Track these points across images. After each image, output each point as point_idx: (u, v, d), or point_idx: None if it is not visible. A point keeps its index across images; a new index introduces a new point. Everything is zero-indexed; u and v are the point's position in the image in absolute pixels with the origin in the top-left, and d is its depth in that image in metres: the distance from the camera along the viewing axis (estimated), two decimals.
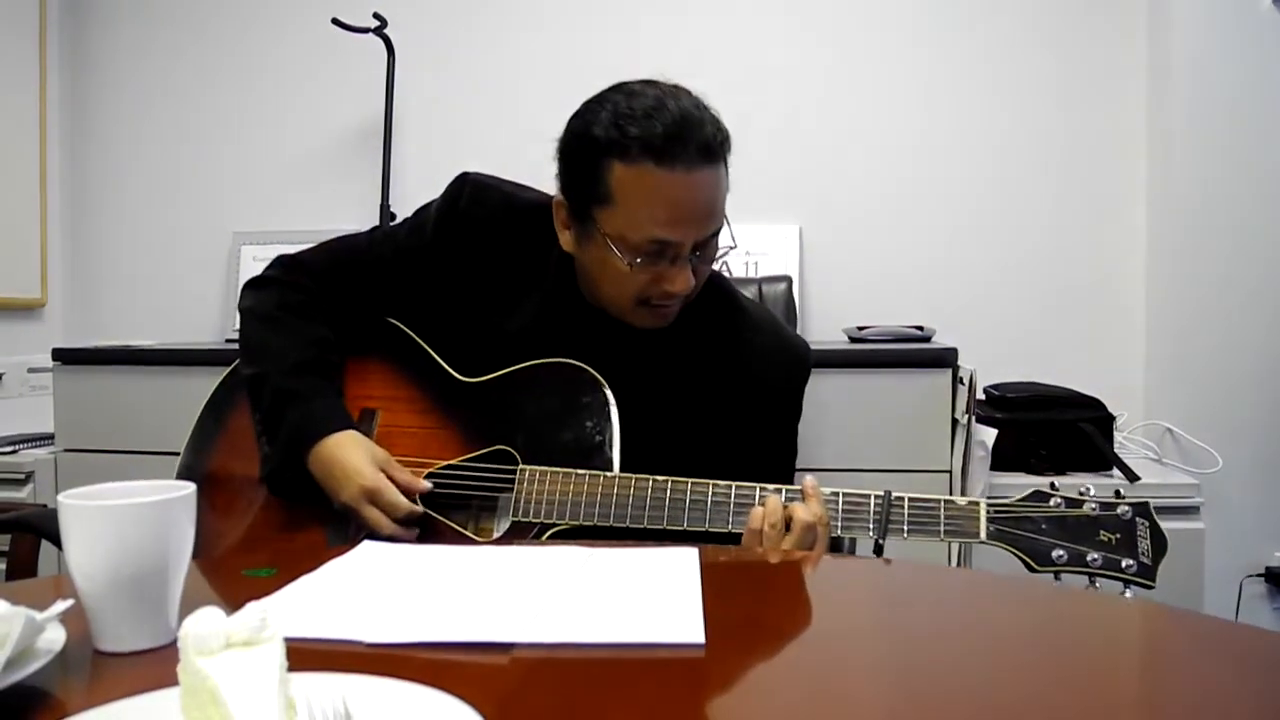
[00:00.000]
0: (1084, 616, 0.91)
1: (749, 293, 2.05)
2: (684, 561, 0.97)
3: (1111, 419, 2.19)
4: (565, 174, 1.24)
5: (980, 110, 2.59)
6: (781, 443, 1.33)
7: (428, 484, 1.21)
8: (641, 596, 0.88)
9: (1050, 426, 2.15)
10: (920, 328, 2.33)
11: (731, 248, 1.24)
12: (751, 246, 2.57)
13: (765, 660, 0.79)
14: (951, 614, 0.94)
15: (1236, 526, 2.26)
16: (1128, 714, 0.70)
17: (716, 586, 0.92)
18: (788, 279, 2.34)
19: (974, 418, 2.04)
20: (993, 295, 2.57)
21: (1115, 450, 2.18)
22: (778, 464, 1.29)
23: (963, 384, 2.03)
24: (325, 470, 1.20)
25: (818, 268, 2.61)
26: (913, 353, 2.15)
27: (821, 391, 2.01)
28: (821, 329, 2.60)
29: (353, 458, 1.19)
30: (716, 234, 1.21)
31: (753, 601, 0.96)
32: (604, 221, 1.18)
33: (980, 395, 2.22)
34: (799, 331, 2.35)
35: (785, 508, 1.11)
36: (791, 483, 1.25)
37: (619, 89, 1.20)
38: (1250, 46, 2.29)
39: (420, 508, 1.20)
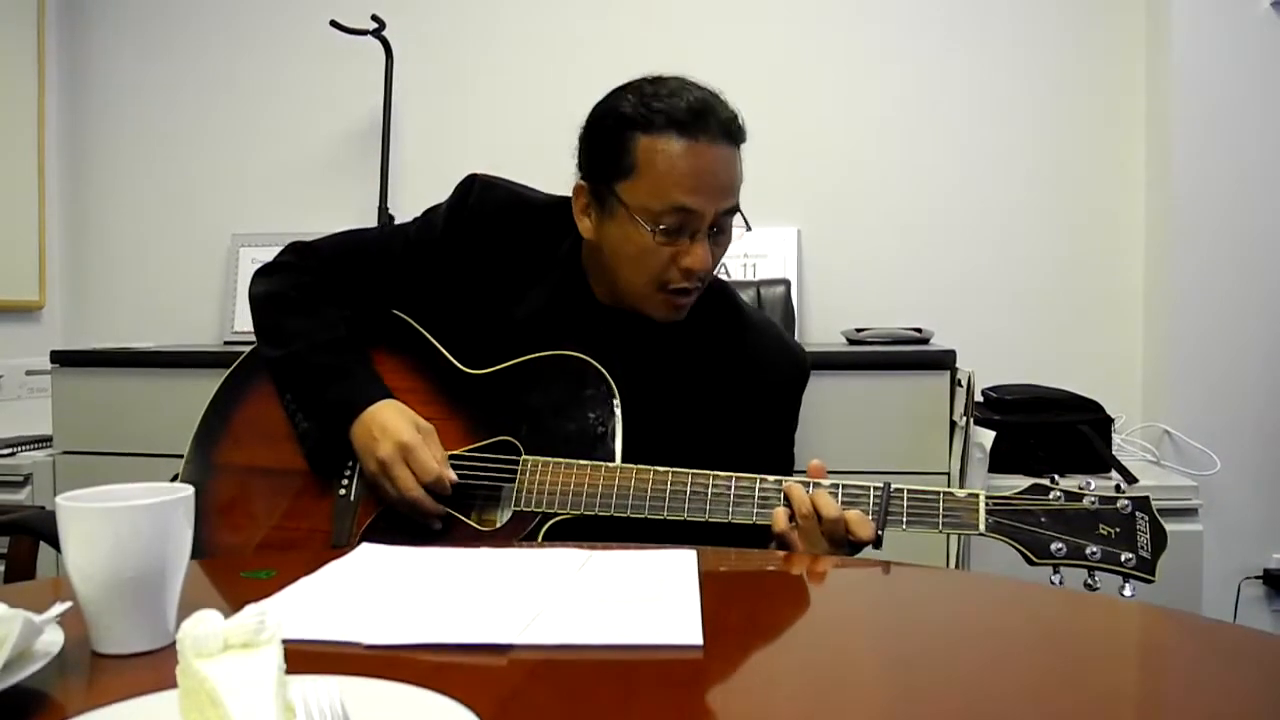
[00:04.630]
0: (1083, 619, 0.91)
1: (747, 295, 2.06)
2: (682, 563, 0.97)
3: (1110, 421, 2.19)
4: (588, 154, 1.26)
5: (979, 113, 2.59)
6: (778, 445, 1.35)
7: (454, 475, 1.22)
8: (640, 598, 0.88)
9: (1048, 429, 2.16)
10: (918, 330, 2.33)
11: (747, 229, 1.26)
12: (750, 249, 2.57)
13: (763, 662, 0.79)
14: (949, 616, 0.94)
15: (1235, 529, 2.26)
16: (1126, 716, 0.70)
17: (715, 588, 0.92)
18: (786, 281, 2.34)
19: (972, 420, 2.04)
20: (991, 297, 2.57)
21: (1113, 452, 2.18)
22: (774, 466, 1.29)
23: (961, 386, 2.03)
24: (366, 432, 1.23)
25: (816, 270, 2.62)
26: (911, 355, 2.15)
27: (820, 393, 2.01)
28: (820, 331, 2.60)
29: (395, 419, 1.23)
30: (732, 215, 1.23)
31: (751, 603, 0.96)
32: (626, 194, 1.20)
33: (978, 397, 2.22)
34: (798, 334, 2.36)
35: (809, 497, 1.12)
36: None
37: (643, 78, 1.24)
38: (1249, 49, 2.29)
39: (450, 477, 1.20)
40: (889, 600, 1.00)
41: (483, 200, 1.34)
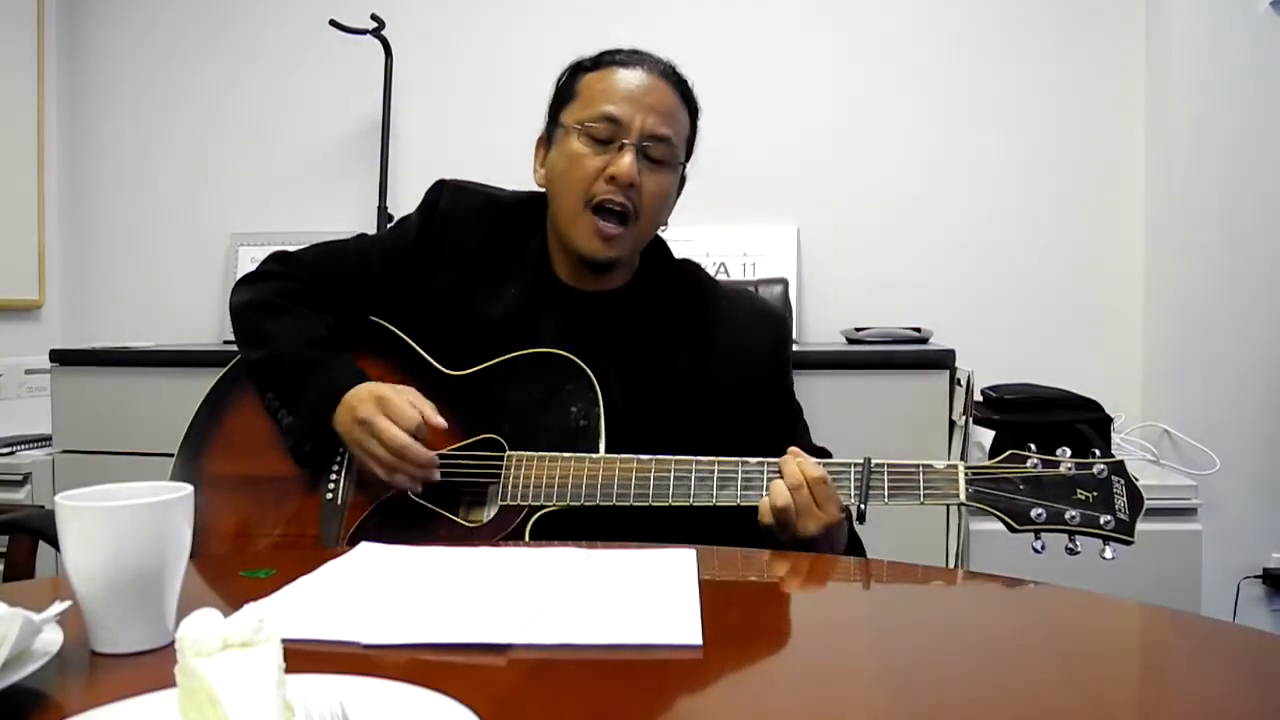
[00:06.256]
0: (1082, 619, 0.91)
1: None
2: (681, 563, 0.97)
3: (1109, 420, 2.19)
4: (548, 110, 1.35)
5: (978, 111, 2.59)
6: (780, 403, 1.35)
7: (436, 419, 1.21)
8: (639, 598, 0.88)
9: (1047, 428, 2.15)
10: (917, 329, 2.33)
11: (682, 163, 1.32)
12: (749, 248, 2.57)
13: (763, 662, 0.79)
14: (948, 616, 0.94)
15: (1234, 528, 2.26)
16: (1126, 716, 0.70)
17: (714, 588, 0.92)
18: (785, 281, 2.34)
19: (971, 419, 2.04)
20: (990, 297, 2.57)
21: (1113, 452, 2.18)
22: (782, 425, 1.30)
23: (960, 385, 2.04)
24: (348, 412, 1.23)
25: (815, 269, 2.61)
26: (910, 354, 2.15)
27: (818, 392, 2.01)
28: (819, 330, 2.60)
29: (370, 388, 1.24)
30: (668, 146, 1.28)
31: (751, 603, 0.96)
32: (566, 116, 1.30)
33: (977, 397, 2.22)
34: (797, 334, 2.36)
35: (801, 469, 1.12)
36: (805, 438, 1.27)
37: None
38: (1249, 49, 2.29)
39: (437, 420, 1.21)
40: (889, 600, 1.00)
41: (452, 204, 1.36)
